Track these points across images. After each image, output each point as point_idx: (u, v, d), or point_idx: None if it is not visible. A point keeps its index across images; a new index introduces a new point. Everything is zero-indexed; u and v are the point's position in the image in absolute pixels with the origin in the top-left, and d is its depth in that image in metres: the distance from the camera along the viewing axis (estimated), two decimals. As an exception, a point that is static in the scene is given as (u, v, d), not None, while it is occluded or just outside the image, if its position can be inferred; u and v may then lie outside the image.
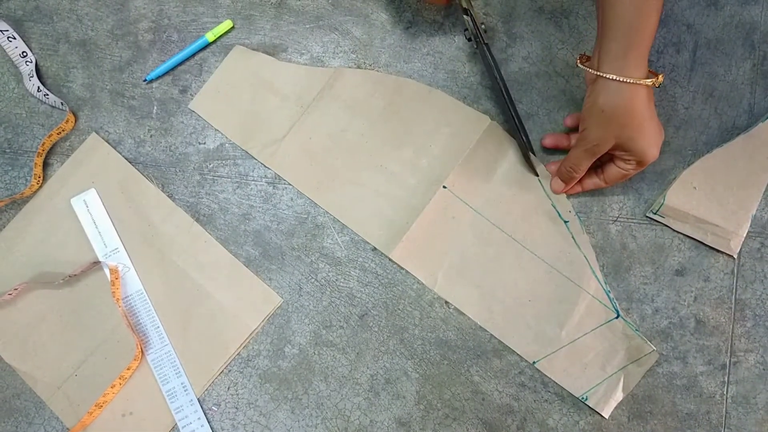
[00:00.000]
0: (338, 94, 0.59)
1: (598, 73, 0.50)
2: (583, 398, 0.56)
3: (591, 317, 0.56)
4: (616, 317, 0.56)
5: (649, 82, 0.49)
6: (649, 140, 0.52)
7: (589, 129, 0.52)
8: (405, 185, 0.58)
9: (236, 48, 0.60)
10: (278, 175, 0.59)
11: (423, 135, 0.59)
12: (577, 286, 0.56)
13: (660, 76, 0.50)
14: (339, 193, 0.58)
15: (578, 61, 0.53)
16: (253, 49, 0.60)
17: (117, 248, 0.57)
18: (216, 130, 0.59)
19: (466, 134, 0.59)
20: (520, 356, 0.56)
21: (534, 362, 0.56)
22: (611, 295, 0.57)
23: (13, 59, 0.59)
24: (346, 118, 0.59)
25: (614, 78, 0.49)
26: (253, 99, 0.59)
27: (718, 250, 0.57)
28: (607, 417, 0.55)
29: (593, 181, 0.56)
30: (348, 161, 0.58)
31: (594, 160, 0.54)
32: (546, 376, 0.56)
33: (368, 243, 0.58)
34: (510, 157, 0.58)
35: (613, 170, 0.55)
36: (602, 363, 0.56)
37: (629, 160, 0.53)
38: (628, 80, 0.49)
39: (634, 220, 0.58)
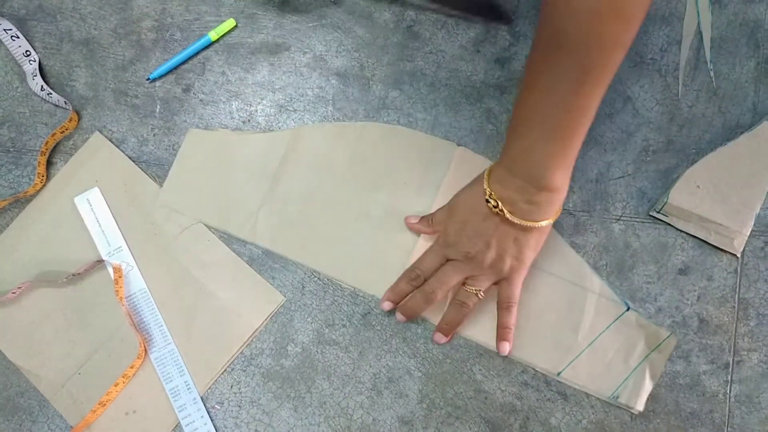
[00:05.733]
0: (301, 154, 0.58)
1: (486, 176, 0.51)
2: (614, 398, 0.55)
3: (603, 315, 0.56)
4: (627, 310, 0.56)
5: (484, 186, 0.50)
6: (455, 221, 0.52)
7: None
8: (390, 226, 0.57)
9: (190, 132, 0.59)
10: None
11: (395, 174, 0.58)
12: (581, 288, 0.56)
13: (501, 206, 0.49)
14: (329, 253, 0.57)
15: None
16: (253, 50, 0.60)
17: (120, 247, 0.57)
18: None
19: (437, 164, 0.58)
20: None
21: (558, 373, 0.55)
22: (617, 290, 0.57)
23: (17, 58, 0.59)
24: (316, 176, 0.58)
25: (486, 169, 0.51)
26: (219, 179, 0.58)
27: (721, 249, 0.57)
28: (641, 410, 0.55)
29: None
30: (329, 219, 0.58)
31: (429, 223, 0.56)
32: (547, 376, 0.56)
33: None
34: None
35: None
36: (624, 358, 0.55)
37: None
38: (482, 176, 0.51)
39: (637, 219, 0.58)
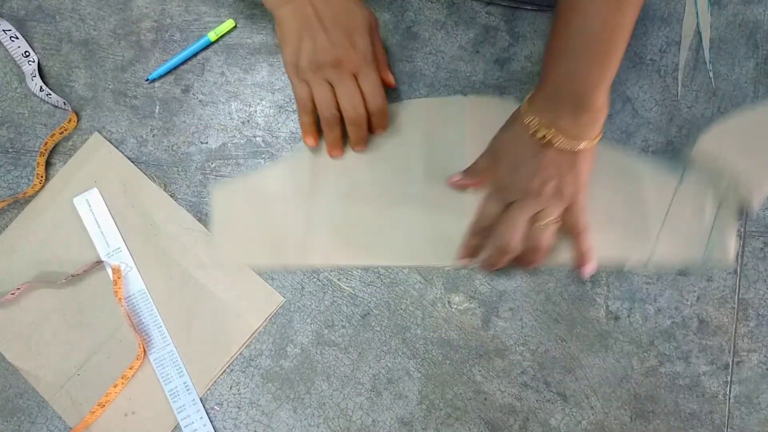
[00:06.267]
0: (324, 163, 0.58)
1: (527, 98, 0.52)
2: (706, 261, 0.56)
3: (663, 190, 0.56)
4: (683, 174, 0.56)
5: (526, 119, 0.50)
6: (506, 165, 0.53)
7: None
8: (434, 196, 0.57)
9: (214, 189, 0.58)
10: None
11: (418, 146, 0.58)
12: (632, 174, 0.57)
13: (554, 134, 0.49)
14: (387, 245, 0.57)
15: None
16: (252, 51, 0.60)
17: (119, 248, 0.57)
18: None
19: (453, 120, 0.58)
20: (522, 356, 0.56)
21: (647, 263, 0.56)
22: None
23: (16, 59, 0.59)
24: (345, 178, 0.58)
25: (521, 106, 0.52)
26: (257, 220, 0.57)
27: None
28: (733, 258, 0.56)
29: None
30: (373, 212, 0.57)
31: (479, 171, 0.56)
32: (549, 375, 0.56)
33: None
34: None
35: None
36: (699, 219, 0.56)
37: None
38: (513, 121, 0.52)
39: (637, 220, 0.58)
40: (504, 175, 0.53)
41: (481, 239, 0.55)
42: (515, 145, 0.53)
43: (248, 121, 0.60)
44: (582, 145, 0.50)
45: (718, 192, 0.56)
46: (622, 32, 0.47)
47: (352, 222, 0.57)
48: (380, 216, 0.57)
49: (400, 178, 0.58)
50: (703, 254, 0.55)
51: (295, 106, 0.59)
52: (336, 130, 0.56)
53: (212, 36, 0.60)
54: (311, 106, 0.55)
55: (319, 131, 0.57)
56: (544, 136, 0.50)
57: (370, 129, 0.57)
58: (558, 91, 0.49)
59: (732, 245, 0.56)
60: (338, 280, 0.58)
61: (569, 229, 0.55)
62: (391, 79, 0.57)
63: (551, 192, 0.52)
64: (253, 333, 0.57)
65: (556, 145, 0.50)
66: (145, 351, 0.56)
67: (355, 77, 0.54)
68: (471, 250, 0.56)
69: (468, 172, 0.56)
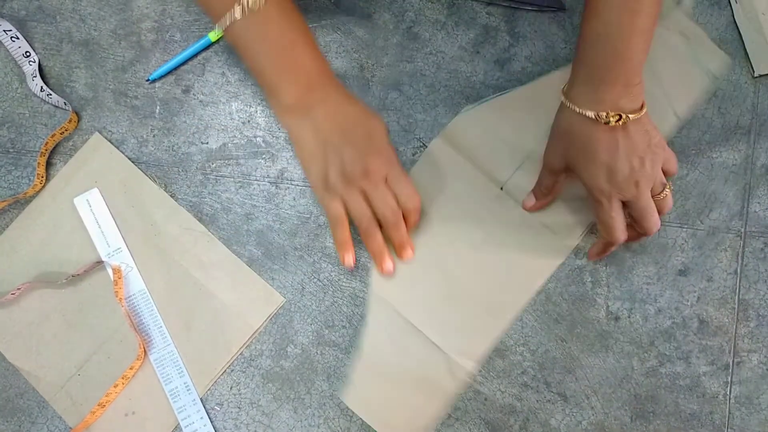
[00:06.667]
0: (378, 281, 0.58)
1: (562, 98, 0.52)
2: (710, 75, 0.59)
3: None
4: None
5: (590, 113, 0.49)
6: (594, 170, 0.51)
7: (546, 148, 0.54)
8: (505, 244, 0.57)
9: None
10: (282, 176, 0.59)
11: (444, 205, 0.58)
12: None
13: (626, 115, 0.49)
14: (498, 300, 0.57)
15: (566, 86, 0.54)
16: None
17: (120, 248, 0.57)
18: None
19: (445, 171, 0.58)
20: (522, 357, 0.56)
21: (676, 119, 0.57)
22: None
23: (17, 59, 0.59)
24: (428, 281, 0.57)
25: (564, 103, 0.51)
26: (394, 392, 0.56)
27: (722, 250, 0.57)
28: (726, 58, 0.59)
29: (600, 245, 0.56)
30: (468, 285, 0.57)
31: (553, 177, 0.55)
32: (549, 375, 0.56)
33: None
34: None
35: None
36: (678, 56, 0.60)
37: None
38: (574, 108, 0.50)
39: (637, 220, 0.58)
40: (602, 183, 0.51)
41: (554, 181, 0.55)
42: (589, 146, 0.51)
43: (249, 121, 0.60)
44: (643, 112, 0.50)
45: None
46: (659, 6, 0.49)
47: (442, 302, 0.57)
48: (462, 288, 0.57)
49: (451, 240, 0.58)
50: (703, 75, 0.58)
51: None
52: (378, 238, 0.55)
53: (213, 36, 0.60)
54: (345, 220, 0.54)
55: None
56: (619, 118, 0.49)
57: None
58: (609, 75, 0.49)
59: (715, 49, 0.59)
60: (339, 280, 0.58)
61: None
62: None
63: (650, 166, 0.51)
64: (254, 333, 0.57)
65: (629, 124, 0.50)
66: (145, 351, 0.56)
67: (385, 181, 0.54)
68: (546, 190, 0.56)
69: (539, 192, 0.56)
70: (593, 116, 0.49)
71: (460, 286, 0.57)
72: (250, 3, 0.48)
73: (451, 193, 0.58)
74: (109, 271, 0.57)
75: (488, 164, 0.58)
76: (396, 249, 0.56)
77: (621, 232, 0.53)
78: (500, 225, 0.57)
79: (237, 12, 0.48)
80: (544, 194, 0.56)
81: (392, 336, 0.56)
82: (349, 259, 0.55)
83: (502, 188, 0.58)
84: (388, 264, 0.56)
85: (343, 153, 0.52)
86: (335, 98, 0.53)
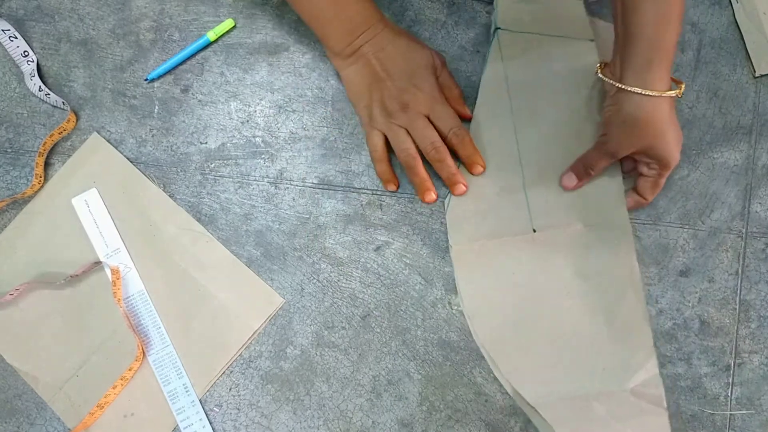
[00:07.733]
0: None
1: (621, 86, 0.50)
2: None
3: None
4: None
5: (672, 93, 0.50)
6: (671, 146, 0.52)
7: (610, 135, 0.53)
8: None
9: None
10: (281, 176, 0.58)
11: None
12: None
13: (682, 85, 0.50)
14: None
15: (598, 70, 0.53)
16: (252, 51, 0.60)
17: (118, 248, 0.57)
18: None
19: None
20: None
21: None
22: None
23: (15, 59, 0.59)
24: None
25: (638, 91, 0.50)
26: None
27: (723, 251, 0.57)
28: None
29: (633, 199, 0.56)
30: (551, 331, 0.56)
31: (612, 162, 0.54)
32: (549, 377, 0.56)
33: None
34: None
35: (641, 181, 0.55)
36: None
37: (652, 165, 0.53)
38: (651, 93, 0.49)
39: (638, 221, 0.58)
40: (677, 151, 0.53)
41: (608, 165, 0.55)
42: (666, 122, 0.51)
43: (248, 121, 0.60)
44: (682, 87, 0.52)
45: None
46: None
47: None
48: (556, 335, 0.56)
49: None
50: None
51: (294, 106, 0.59)
52: (419, 172, 0.56)
53: (211, 36, 0.60)
54: (382, 154, 0.57)
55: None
56: (677, 93, 0.50)
57: (467, 167, 0.57)
58: (656, 56, 0.49)
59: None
60: (338, 280, 0.57)
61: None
62: (466, 111, 0.58)
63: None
64: (253, 334, 0.57)
65: (679, 96, 0.51)
66: (144, 352, 0.56)
67: (428, 117, 0.55)
68: (597, 172, 0.55)
69: (584, 173, 0.55)
70: (659, 94, 0.49)
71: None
72: None
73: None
74: (108, 271, 0.57)
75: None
76: (445, 182, 0.57)
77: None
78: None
79: None
80: (590, 175, 0.55)
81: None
82: (391, 186, 0.57)
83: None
84: (426, 196, 0.56)
85: (383, 89, 0.55)
86: (382, 36, 0.55)
